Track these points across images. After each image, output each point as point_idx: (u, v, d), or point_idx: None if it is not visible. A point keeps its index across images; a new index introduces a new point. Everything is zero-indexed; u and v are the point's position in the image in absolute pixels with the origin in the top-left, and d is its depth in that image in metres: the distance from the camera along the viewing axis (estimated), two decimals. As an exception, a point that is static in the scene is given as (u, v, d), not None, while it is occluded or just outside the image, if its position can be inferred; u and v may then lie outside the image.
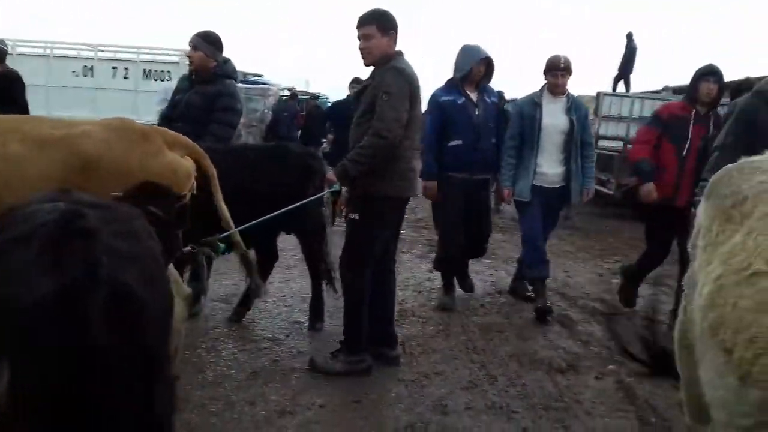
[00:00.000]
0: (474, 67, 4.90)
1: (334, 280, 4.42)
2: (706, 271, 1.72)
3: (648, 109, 10.79)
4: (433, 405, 3.37)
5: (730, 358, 1.55)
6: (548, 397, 3.54)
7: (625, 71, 16.20)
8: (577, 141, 5.01)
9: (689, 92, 4.88)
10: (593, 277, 6.43)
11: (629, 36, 16.32)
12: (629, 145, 10.15)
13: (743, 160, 1.90)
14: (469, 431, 3.13)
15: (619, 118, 11.11)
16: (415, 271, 6.19)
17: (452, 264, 5.25)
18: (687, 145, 4.71)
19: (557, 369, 3.94)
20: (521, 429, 3.18)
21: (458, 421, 3.22)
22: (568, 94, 5.09)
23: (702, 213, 1.90)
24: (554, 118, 4.97)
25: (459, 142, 4.92)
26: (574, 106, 5.05)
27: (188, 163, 3.03)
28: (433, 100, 5.04)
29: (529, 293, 5.31)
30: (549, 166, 5.00)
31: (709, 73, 4.76)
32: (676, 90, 12.56)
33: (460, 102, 4.93)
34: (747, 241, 1.62)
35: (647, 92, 14.18)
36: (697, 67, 4.88)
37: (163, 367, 1.50)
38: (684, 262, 4.66)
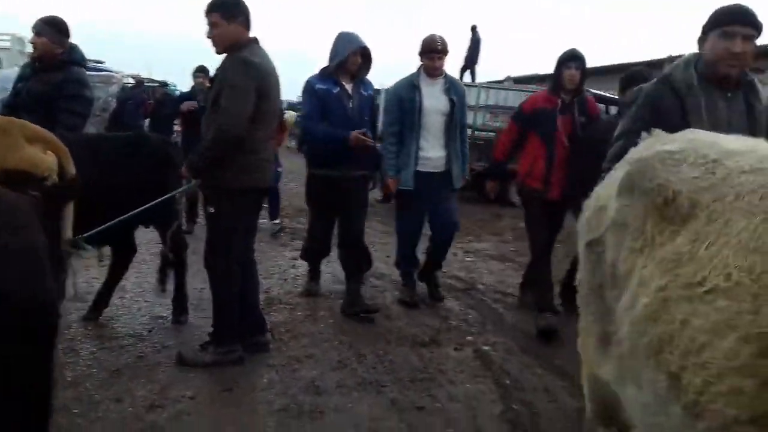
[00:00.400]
0: (350, 56, 4.58)
1: (167, 272, 4.39)
2: (641, 277, 1.54)
3: (492, 98, 11.51)
4: (305, 387, 3.44)
5: (675, 383, 1.38)
6: (414, 369, 3.74)
7: (471, 62, 17.10)
8: (457, 123, 4.90)
9: (553, 81, 4.66)
10: (449, 257, 6.75)
11: (473, 28, 17.24)
12: (476, 132, 10.79)
13: (659, 149, 1.76)
14: (341, 408, 3.24)
15: (467, 107, 11.70)
16: (279, 260, 6.20)
17: (318, 254, 5.23)
18: (554, 137, 4.52)
19: (420, 343, 4.15)
20: (390, 401, 3.33)
21: (330, 399, 3.31)
22: (446, 74, 4.95)
23: (626, 211, 1.70)
24: (434, 100, 4.84)
25: None
26: (453, 87, 4.94)
27: (50, 159, 2.85)
28: (309, 86, 4.73)
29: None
30: (433, 150, 4.87)
31: (570, 58, 4.54)
32: (517, 80, 13.45)
33: (335, 92, 4.62)
34: (697, 250, 1.43)
35: (491, 82, 15.08)
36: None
37: (39, 367, 1.46)
38: (545, 256, 4.63)
